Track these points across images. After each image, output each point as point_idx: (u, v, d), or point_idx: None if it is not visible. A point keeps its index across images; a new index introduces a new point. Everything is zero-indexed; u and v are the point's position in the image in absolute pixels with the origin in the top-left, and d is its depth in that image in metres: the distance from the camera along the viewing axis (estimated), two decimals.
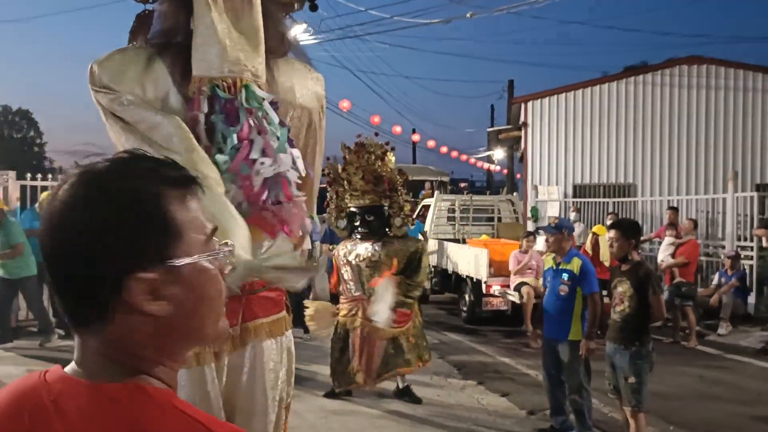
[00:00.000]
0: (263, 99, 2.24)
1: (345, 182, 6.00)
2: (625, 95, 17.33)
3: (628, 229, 5.20)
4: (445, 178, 23.45)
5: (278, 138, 2.28)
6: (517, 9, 12.68)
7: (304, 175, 2.44)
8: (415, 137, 32.10)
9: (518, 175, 23.71)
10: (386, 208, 6.06)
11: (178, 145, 2.05)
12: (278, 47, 2.49)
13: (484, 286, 10.73)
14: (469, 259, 11.31)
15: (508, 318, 10.77)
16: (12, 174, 9.99)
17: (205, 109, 2.15)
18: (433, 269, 12.44)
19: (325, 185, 5.83)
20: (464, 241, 12.75)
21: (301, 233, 2.46)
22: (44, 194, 9.03)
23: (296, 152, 2.41)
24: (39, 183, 10.01)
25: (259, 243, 2.27)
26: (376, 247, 6.03)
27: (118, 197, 0.93)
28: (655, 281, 5.09)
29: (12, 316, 9.16)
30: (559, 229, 5.75)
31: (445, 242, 12.70)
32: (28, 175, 9.94)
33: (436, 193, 14.99)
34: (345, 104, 20.56)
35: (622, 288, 5.05)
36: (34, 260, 8.42)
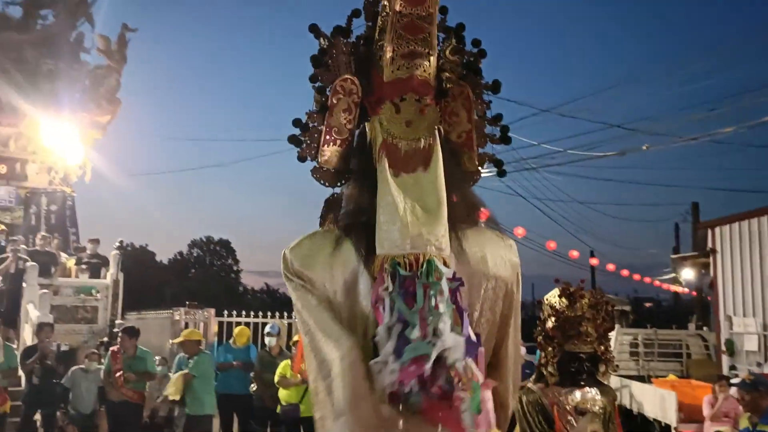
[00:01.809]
0: (443, 274, 2.11)
1: (579, 327, 5.79)
2: None
3: None
4: (626, 308, 22.34)
5: (449, 317, 2.08)
6: (696, 139, 12.31)
7: (478, 356, 2.16)
8: (594, 261, 31.15)
9: (708, 297, 22.07)
10: (599, 354, 5.85)
11: (339, 395, 1.99)
12: (466, 217, 2.36)
13: (674, 431, 9.94)
14: (655, 401, 10.57)
15: None
16: (212, 311, 11.49)
17: (390, 287, 2.06)
18: None
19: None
20: (649, 379, 11.99)
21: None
22: (237, 329, 9.86)
23: (470, 332, 2.16)
24: (234, 319, 11.29)
25: None
26: (596, 395, 5.75)
27: None
28: None
29: None
30: (755, 386, 5.30)
31: (628, 380, 12.01)
32: (225, 312, 11.22)
33: (616, 325, 14.35)
34: (520, 231, 20.60)
35: None
36: (213, 399, 8.42)
